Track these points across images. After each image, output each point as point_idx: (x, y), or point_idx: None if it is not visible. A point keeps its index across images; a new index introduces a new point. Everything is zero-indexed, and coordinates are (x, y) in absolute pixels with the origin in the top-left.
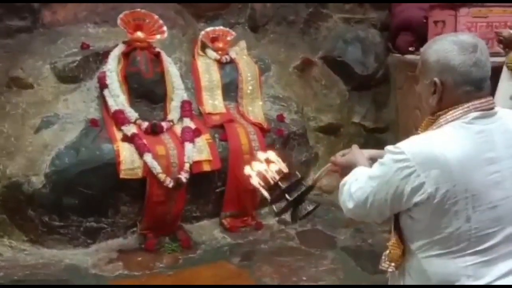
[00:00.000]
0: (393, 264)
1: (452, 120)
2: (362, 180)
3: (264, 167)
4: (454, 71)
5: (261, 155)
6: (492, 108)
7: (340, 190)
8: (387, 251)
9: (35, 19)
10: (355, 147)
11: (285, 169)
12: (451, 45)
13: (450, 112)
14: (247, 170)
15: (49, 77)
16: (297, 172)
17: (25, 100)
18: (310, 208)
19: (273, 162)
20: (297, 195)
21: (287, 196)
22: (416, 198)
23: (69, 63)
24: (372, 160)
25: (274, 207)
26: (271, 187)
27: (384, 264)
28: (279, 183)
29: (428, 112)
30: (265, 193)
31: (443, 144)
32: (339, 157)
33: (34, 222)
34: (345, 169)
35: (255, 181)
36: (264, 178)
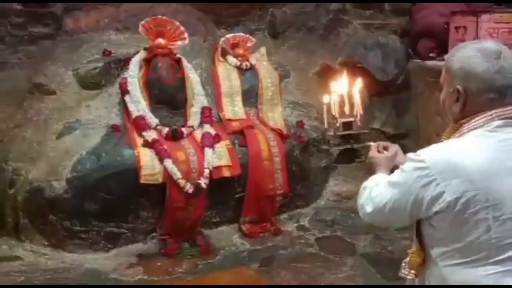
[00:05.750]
0: (413, 271)
1: (474, 128)
2: (382, 186)
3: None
4: (477, 78)
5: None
6: None
7: (360, 193)
8: (407, 258)
9: (58, 26)
10: (398, 149)
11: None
12: (474, 52)
13: (473, 120)
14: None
15: (71, 83)
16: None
17: (48, 106)
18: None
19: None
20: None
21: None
22: (436, 207)
23: (91, 70)
24: None
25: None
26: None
27: (404, 271)
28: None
29: (452, 120)
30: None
31: (464, 152)
32: (375, 150)
33: (55, 226)
34: (372, 164)
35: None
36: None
